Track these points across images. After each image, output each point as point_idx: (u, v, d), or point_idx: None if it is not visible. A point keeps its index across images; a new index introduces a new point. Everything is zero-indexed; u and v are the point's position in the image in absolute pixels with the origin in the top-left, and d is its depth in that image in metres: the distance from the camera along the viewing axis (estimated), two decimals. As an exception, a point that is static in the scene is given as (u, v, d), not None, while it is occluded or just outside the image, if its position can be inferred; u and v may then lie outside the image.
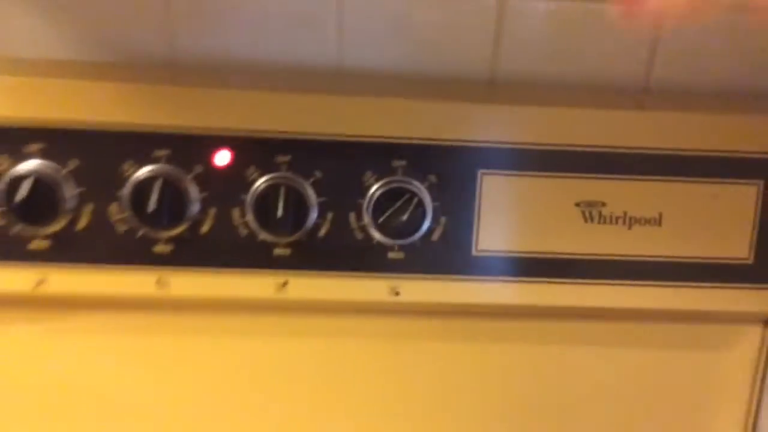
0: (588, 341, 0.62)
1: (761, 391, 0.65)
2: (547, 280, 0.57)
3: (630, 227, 0.56)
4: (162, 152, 0.52)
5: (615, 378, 0.63)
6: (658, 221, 0.57)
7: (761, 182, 0.57)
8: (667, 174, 0.56)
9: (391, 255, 0.56)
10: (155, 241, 0.54)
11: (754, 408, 0.65)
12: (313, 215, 0.54)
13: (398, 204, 0.54)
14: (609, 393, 0.63)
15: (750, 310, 0.60)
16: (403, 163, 0.54)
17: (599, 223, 0.56)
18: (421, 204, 0.54)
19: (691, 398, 0.64)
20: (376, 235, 0.54)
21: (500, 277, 0.57)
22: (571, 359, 0.62)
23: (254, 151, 0.53)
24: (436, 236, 0.56)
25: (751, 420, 0.65)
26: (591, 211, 0.56)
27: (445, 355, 0.62)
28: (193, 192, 0.53)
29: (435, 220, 0.55)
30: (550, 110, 0.55)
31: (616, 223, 0.56)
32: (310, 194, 0.53)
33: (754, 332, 0.63)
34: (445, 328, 0.61)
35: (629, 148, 0.55)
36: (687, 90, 0.60)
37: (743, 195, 0.57)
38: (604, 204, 0.56)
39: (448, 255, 0.56)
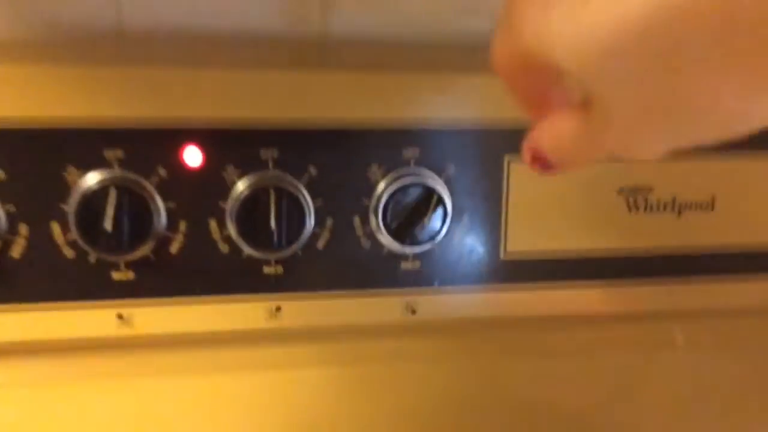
0: (636, 346, 0.54)
1: None
2: (590, 282, 0.48)
3: (680, 214, 0.48)
4: (114, 153, 0.41)
5: (669, 381, 0.55)
6: (710, 205, 0.49)
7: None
8: (720, 150, 0.48)
9: (405, 266, 0.46)
10: (113, 268, 0.42)
11: None
12: (310, 223, 0.43)
13: (412, 202, 0.44)
14: (665, 397, 0.55)
15: None
16: (415, 151, 0.44)
17: (645, 211, 0.48)
18: (440, 201, 0.44)
19: (746, 395, 0.56)
20: (387, 243, 0.45)
21: (535, 283, 0.48)
22: (620, 368, 0.53)
23: (232, 146, 0.42)
24: (456, 239, 0.46)
25: None
26: (636, 198, 0.48)
27: (472, 374, 0.52)
28: (158, 202, 0.42)
29: (455, 219, 0.46)
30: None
31: (665, 209, 0.48)
32: (305, 197, 0.43)
33: None
34: (468, 345, 0.51)
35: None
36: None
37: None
38: (651, 189, 0.48)
39: (472, 261, 0.47)
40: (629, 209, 0.47)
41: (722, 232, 0.49)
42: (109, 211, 0.40)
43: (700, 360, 0.55)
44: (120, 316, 0.43)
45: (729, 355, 0.55)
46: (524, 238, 0.47)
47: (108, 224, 0.40)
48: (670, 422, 0.56)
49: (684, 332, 0.53)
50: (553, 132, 0.29)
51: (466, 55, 0.50)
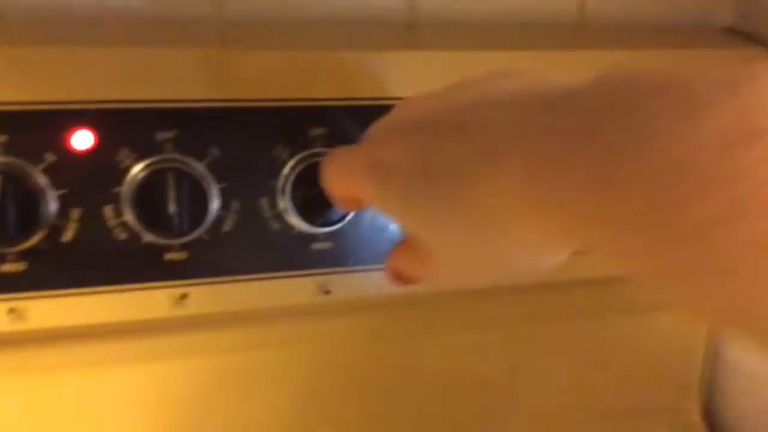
0: (544, 316, 0.54)
1: (717, 342, 0.60)
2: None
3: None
4: (-4, 138, 0.38)
5: (576, 348, 0.56)
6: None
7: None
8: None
9: (317, 246, 0.44)
10: (1, 259, 0.40)
11: (710, 358, 0.60)
12: (214, 206, 0.41)
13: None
14: (573, 363, 0.56)
15: None
16: (322, 130, 0.43)
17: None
18: (349, 179, 0.43)
19: (649, 356, 0.58)
20: (297, 223, 0.43)
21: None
22: (528, 338, 0.54)
23: (125, 127, 0.40)
24: (368, 217, 0.45)
25: (707, 371, 0.60)
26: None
27: (388, 353, 0.52)
28: (47, 189, 0.39)
29: (366, 197, 0.44)
30: (483, 54, 0.45)
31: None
32: (207, 179, 0.41)
33: None
34: (384, 324, 0.51)
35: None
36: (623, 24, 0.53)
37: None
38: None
39: (385, 239, 0.46)
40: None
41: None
42: (-8, 201, 0.37)
43: (602, 326, 0.56)
44: (12, 311, 0.40)
45: (630, 320, 0.56)
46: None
47: (-9, 215, 0.37)
48: (574, 388, 0.57)
49: (586, 300, 0.54)
50: (404, 261, 0.35)
51: (373, 34, 0.48)
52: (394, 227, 0.45)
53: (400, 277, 0.36)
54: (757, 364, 0.57)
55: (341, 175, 0.35)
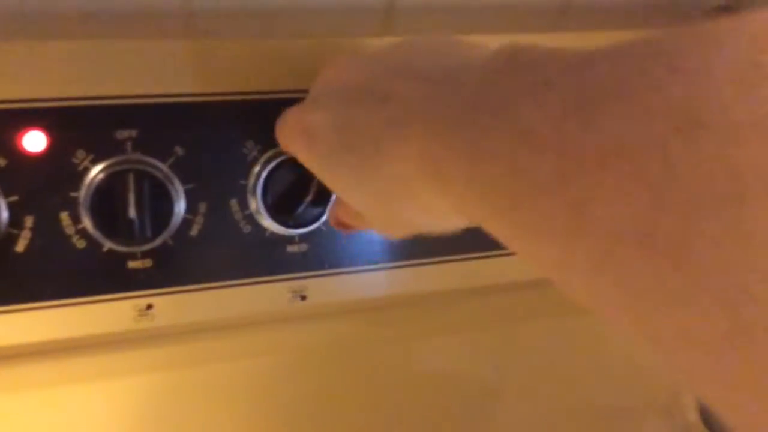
0: (532, 314, 0.52)
1: None
2: (481, 254, 0.46)
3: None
4: (-64, 141, 0.35)
5: (569, 345, 0.54)
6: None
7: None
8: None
9: (292, 249, 0.42)
10: (-54, 273, 0.36)
11: None
12: (179, 209, 0.39)
13: (294, 180, 0.40)
14: (567, 361, 0.54)
15: None
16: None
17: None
18: (324, 178, 0.40)
19: (645, 352, 0.56)
20: (270, 225, 0.41)
21: (428, 259, 0.45)
22: (518, 337, 0.52)
23: (81, 127, 0.37)
24: (345, 217, 0.42)
25: None
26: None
27: (369, 357, 0.49)
28: (-4, 195, 0.36)
29: (343, 196, 0.42)
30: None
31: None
32: (172, 180, 0.38)
33: None
34: (363, 328, 0.48)
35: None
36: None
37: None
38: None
39: (362, 240, 0.43)
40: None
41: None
42: (-68, 211, 0.34)
43: (597, 322, 0.54)
44: (-39, 329, 0.37)
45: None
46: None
47: (-68, 226, 0.34)
48: (569, 386, 0.55)
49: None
50: (341, 211, 0.38)
51: (348, 19, 0.46)
52: (373, 227, 0.43)
53: (340, 225, 0.38)
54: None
55: (283, 136, 0.36)
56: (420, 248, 0.44)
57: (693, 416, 0.58)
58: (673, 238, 0.16)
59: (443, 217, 0.29)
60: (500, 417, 0.54)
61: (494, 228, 0.23)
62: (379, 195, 0.29)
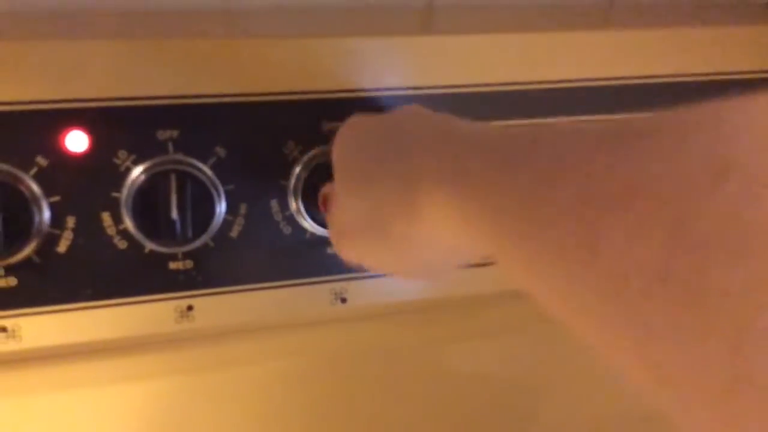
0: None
1: None
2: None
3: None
4: (-19, 142, 0.35)
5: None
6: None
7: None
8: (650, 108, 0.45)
9: (332, 250, 0.41)
10: (-11, 274, 0.37)
11: None
12: (220, 210, 0.38)
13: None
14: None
15: None
16: (336, 125, 0.39)
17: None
18: (366, 178, 0.39)
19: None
20: (310, 227, 0.40)
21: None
22: (553, 340, 0.51)
23: (122, 127, 0.37)
24: (386, 218, 0.42)
25: None
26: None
27: (409, 361, 0.48)
28: (39, 196, 0.36)
29: (384, 197, 0.41)
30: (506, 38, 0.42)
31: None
32: (213, 181, 0.38)
33: None
34: (403, 331, 0.47)
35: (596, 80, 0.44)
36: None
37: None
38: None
39: (404, 241, 0.43)
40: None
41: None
42: (-23, 211, 0.34)
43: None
44: (3, 329, 0.37)
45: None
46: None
47: (-23, 227, 0.34)
48: (604, 391, 0.54)
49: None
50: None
51: (388, 18, 0.45)
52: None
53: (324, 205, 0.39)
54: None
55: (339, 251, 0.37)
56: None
57: None
58: (686, 281, 0.17)
59: (460, 255, 0.31)
60: (535, 421, 0.53)
61: (507, 260, 0.23)
62: (403, 243, 0.31)
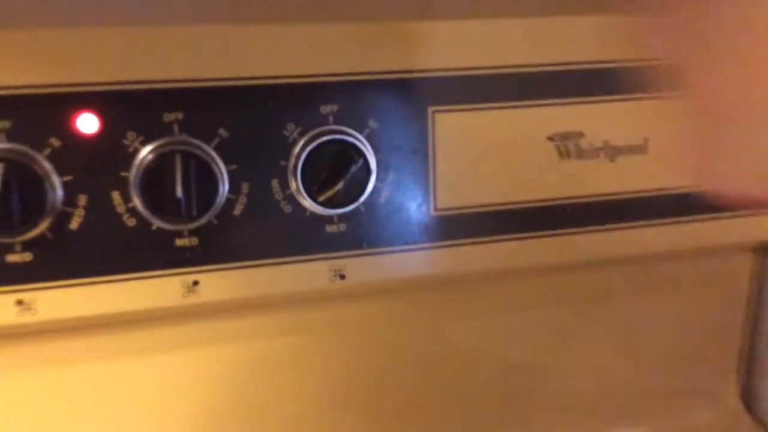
0: (574, 296, 0.53)
1: (756, 320, 0.58)
2: (524, 235, 0.46)
3: (612, 159, 0.47)
4: (-2, 124, 0.37)
5: (611, 328, 0.54)
6: (643, 148, 0.47)
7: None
8: (651, 91, 0.46)
9: (331, 229, 0.43)
10: (7, 250, 0.39)
11: (748, 337, 0.58)
12: (223, 189, 0.40)
13: (333, 161, 0.41)
14: (608, 344, 0.54)
15: (743, 240, 0.53)
16: (333, 107, 0.41)
17: (577, 158, 0.46)
18: (363, 158, 0.41)
19: (686, 336, 0.56)
20: (309, 205, 0.42)
21: (468, 239, 0.46)
22: (559, 319, 0.52)
23: (131, 109, 0.39)
24: (383, 198, 0.44)
25: (746, 350, 0.58)
26: (567, 145, 0.46)
27: (407, 336, 0.50)
28: (52, 175, 0.38)
29: (381, 177, 0.43)
30: (507, 23, 0.44)
31: (597, 155, 0.46)
32: (216, 161, 0.40)
33: (745, 261, 0.56)
34: (401, 307, 0.49)
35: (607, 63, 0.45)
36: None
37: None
38: (582, 135, 0.46)
39: (401, 220, 0.44)
40: (560, 156, 0.46)
41: (655, 175, 0.48)
42: (-6, 189, 0.36)
43: (638, 306, 0.54)
44: (20, 302, 0.39)
45: (666, 298, 0.55)
46: (454, 193, 0.45)
47: (-6, 204, 0.36)
48: (609, 369, 0.56)
49: (621, 279, 0.53)
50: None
51: (384, 5, 0.47)
52: (409, 207, 0.44)
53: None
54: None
55: None
56: (458, 229, 0.45)
57: (735, 401, 0.58)
58: None
59: None
60: (538, 398, 0.55)
61: None
62: None
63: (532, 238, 0.46)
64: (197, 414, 0.46)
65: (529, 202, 0.46)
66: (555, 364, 0.54)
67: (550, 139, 0.45)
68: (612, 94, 0.45)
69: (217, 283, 0.42)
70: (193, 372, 0.44)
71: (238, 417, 0.47)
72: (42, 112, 0.38)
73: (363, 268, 0.44)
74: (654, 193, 0.48)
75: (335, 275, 0.44)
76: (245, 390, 0.47)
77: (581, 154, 0.46)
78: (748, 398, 0.59)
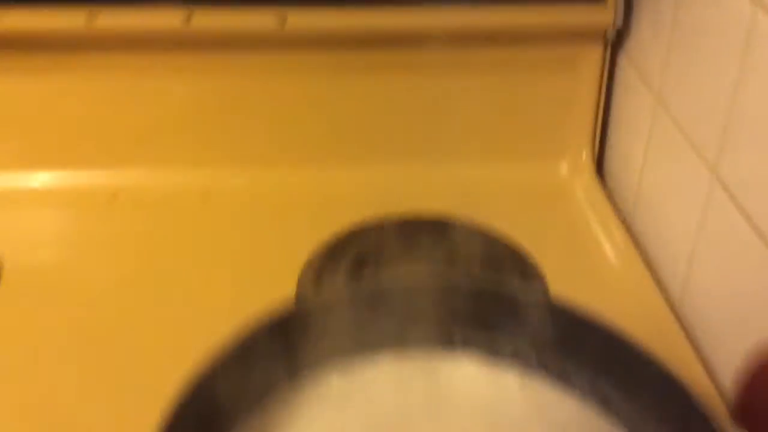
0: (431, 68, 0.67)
1: (606, 108, 0.72)
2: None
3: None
4: None
5: (465, 102, 0.69)
6: None
7: None
8: None
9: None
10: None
11: (599, 123, 0.72)
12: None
13: None
14: (466, 119, 0.70)
15: (589, 26, 0.66)
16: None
17: None
18: None
19: (540, 120, 0.71)
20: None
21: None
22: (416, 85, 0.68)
23: None
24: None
25: (597, 136, 0.73)
26: None
27: (339, 88, 0.69)
28: None
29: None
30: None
31: None
32: None
33: (595, 51, 0.67)
34: (336, 59, 0.67)
35: None
36: None
37: None
38: None
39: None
40: None
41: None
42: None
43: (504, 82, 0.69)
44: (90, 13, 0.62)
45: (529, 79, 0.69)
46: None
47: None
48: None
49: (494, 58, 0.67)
50: None
51: None
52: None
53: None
54: (639, 110, 0.65)
55: None
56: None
57: (589, 162, 0.71)
58: None
59: None
60: (445, 135, 0.70)
61: None
62: None
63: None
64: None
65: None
66: (445, 119, 0.70)
67: None
68: None
69: (206, 18, 0.64)
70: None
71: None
72: None
73: (305, 16, 0.63)
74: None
75: (281, 21, 0.64)
76: (233, 115, 0.68)
77: None
78: (599, 169, 0.73)
